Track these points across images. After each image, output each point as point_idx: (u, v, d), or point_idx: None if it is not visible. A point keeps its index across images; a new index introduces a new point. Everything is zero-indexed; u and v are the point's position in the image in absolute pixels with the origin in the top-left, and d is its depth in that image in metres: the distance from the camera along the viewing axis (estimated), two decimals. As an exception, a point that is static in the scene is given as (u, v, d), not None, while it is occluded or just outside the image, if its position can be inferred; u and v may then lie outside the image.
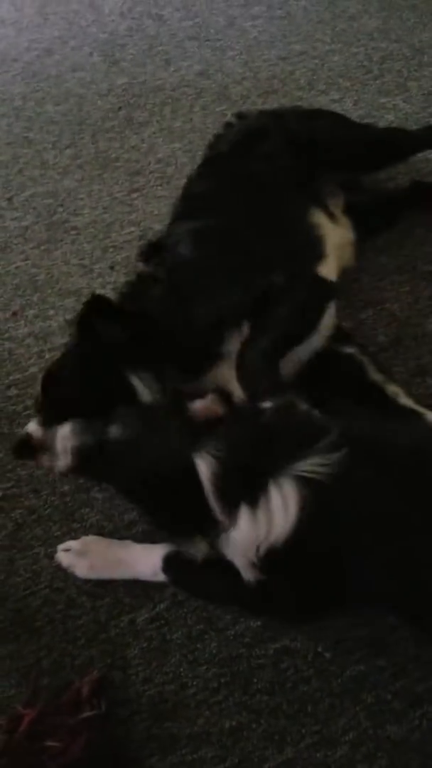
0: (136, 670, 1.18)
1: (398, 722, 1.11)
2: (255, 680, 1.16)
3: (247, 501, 1.00)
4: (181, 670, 1.18)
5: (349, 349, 1.35)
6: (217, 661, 1.18)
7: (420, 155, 1.86)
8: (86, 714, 1.10)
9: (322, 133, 1.61)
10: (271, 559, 1.01)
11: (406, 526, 0.99)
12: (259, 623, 1.20)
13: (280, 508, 0.98)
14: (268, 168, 1.50)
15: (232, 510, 1.01)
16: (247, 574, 1.04)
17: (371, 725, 1.12)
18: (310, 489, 0.98)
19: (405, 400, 1.31)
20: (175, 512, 1.10)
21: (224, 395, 1.18)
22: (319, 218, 1.50)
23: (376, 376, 1.33)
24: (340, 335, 1.38)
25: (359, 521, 1.00)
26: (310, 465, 0.99)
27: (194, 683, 1.17)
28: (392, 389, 1.32)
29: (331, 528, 1.00)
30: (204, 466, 1.02)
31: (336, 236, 1.52)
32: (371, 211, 1.66)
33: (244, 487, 1.01)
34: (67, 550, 1.27)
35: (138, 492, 1.15)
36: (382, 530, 1.00)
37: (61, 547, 1.28)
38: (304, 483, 0.98)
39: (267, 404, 1.12)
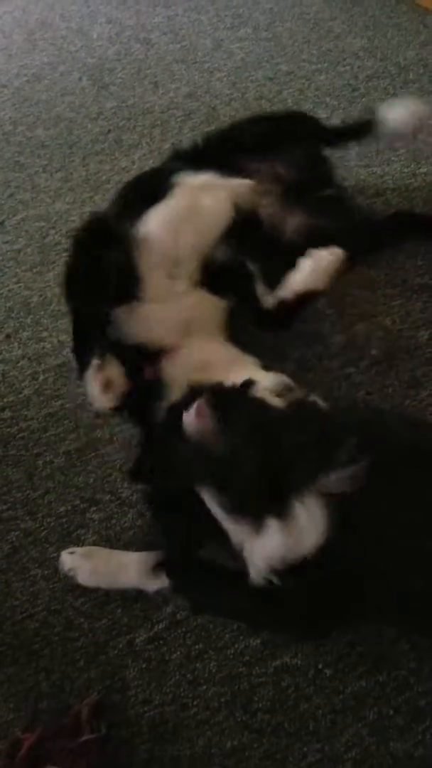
0: (135, 691, 1.17)
1: (401, 738, 1.10)
2: (256, 699, 1.15)
3: (274, 515, 0.99)
4: (181, 690, 1.17)
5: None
6: (217, 680, 1.17)
7: (407, 170, 1.89)
8: (86, 737, 1.09)
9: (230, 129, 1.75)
10: (292, 570, 1.00)
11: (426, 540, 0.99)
12: (258, 641, 1.20)
13: (309, 525, 0.98)
14: None
15: (256, 523, 1.01)
16: (260, 578, 1.03)
17: (374, 742, 1.11)
18: (334, 506, 0.98)
19: None
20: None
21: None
22: None
23: None
24: None
25: (381, 536, 1.00)
26: (333, 480, 0.98)
27: (194, 703, 1.15)
28: None
29: (354, 543, 1.00)
30: (210, 498, 1.02)
31: None
32: (354, 235, 1.67)
33: (266, 503, 1.00)
34: (71, 553, 1.27)
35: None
36: (402, 544, 0.99)
37: (65, 551, 1.27)
38: (328, 500, 0.98)
39: (276, 400, 1.11)
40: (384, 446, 1.05)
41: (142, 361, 1.32)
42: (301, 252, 1.50)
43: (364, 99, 2.18)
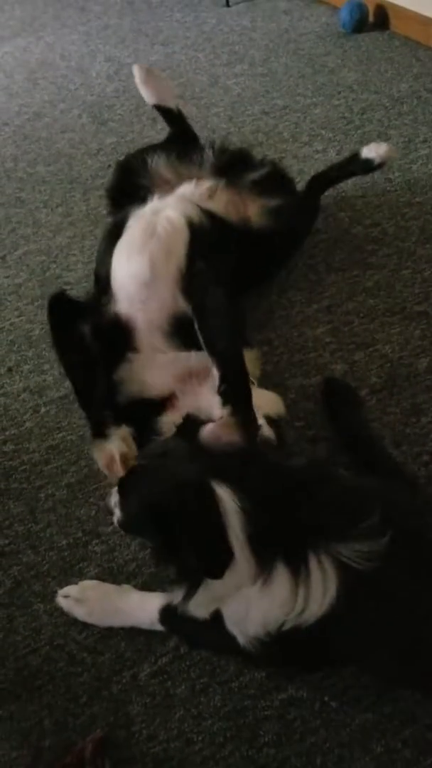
0: (139, 727, 1.15)
1: (409, 772, 1.09)
2: (261, 733, 1.13)
3: (286, 563, 0.96)
4: (186, 725, 1.15)
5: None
6: (222, 714, 1.16)
7: (402, 199, 1.91)
8: (90, 775, 1.07)
9: None
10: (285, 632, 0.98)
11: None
12: (263, 674, 1.18)
13: (320, 589, 0.95)
14: None
15: (265, 564, 0.96)
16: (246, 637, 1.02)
17: (382, 776, 1.09)
18: (349, 576, 0.95)
19: None
20: (184, 546, 1.01)
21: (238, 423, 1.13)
22: None
23: None
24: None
25: (387, 619, 0.98)
26: (352, 550, 0.95)
27: (199, 738, 1.14)
28: None
29: (358, 619, 0.98)
30: (229, 499, 0.95)
31: None
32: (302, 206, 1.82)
33: (282, 546, 0.96)
34: (66, 597, 1.26)
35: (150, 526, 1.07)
36: (406, 631, 0.99)
37: (61, 592, 1.27)
38: (344, 568, 0.95)
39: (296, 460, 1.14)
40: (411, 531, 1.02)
41: (151, 414, 1.32)
42: (273, 234, 1.60)
43: (359, 131, 2.22)
